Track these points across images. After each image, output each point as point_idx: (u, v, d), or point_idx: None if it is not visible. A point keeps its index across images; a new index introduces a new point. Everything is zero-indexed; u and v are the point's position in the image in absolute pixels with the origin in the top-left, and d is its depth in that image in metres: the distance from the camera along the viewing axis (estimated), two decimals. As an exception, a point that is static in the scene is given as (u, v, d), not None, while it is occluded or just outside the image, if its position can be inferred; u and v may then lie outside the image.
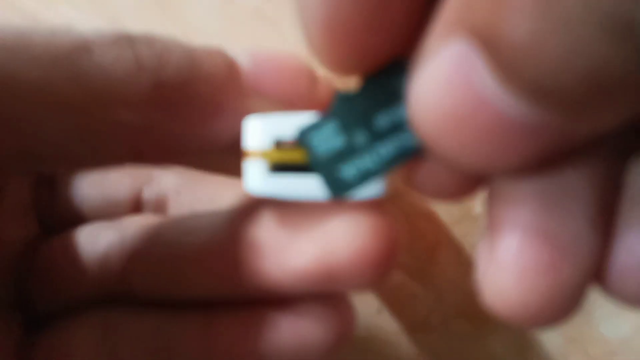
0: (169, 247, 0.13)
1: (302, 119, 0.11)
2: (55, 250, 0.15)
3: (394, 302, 0.19)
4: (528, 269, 0.08)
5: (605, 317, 0.18)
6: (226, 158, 0.13)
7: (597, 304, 0.18)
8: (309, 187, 0.11)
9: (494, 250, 0.09)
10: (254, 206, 0.13)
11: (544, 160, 0.07)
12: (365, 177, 0.10)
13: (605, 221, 0.09)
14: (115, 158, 0.12)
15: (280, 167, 0.11)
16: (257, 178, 0.11)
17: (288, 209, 0.12)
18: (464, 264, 0.19)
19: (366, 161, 0.10)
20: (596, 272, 0.09)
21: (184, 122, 0.11)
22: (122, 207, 0.16)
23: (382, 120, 0.10)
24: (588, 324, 0.18)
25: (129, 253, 0.14)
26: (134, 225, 0.15)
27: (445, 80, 0.07)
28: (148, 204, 0.16)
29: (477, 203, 0.19)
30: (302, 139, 0.10)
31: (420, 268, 0.19)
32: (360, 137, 0.10)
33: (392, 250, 0.11)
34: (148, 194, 0.16)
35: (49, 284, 0.15)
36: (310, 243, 0.12)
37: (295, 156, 0.11)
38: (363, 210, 0.11)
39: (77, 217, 0.16)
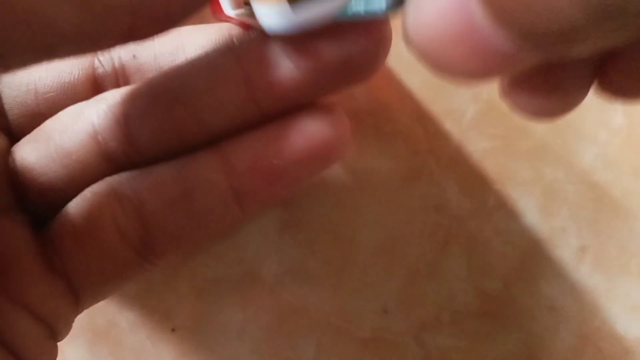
0: (173, 93, 0.14)
1: None
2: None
3: (402, 301, 0.18)
4: None
5: (621, 314, 0.18)
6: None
7: (613, 300, 0.18)
8: (329, 6, 0.11)
9: None
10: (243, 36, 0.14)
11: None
12: None
13: None
14: (112, 39, 0.12)
15: None
16: (279, 15, 0.11)
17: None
18: (476, 261, 0.18)
19: None
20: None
21: None
22: (79, 90, 0.15)
23: None
24: (603, 321, 0.18)
25: (125, 116, 0.14)
26: (111, 96, 0.14)
27: (444, 6, 0.08)
28: (106, 79, 0.15)
29: (491, 197, 0.18)
30: None
31: (430, 264, 0.18)
32: None
33: (390, 41, 0.13)
34: (102, 68, 0.15)
35: (44, 175, 0.14)
36: (326, 41, 0.12)
37: None
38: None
39: (38, 114, 0.15)
